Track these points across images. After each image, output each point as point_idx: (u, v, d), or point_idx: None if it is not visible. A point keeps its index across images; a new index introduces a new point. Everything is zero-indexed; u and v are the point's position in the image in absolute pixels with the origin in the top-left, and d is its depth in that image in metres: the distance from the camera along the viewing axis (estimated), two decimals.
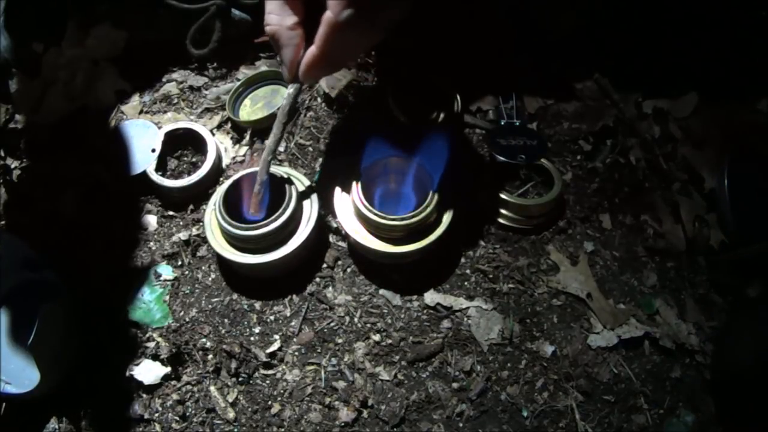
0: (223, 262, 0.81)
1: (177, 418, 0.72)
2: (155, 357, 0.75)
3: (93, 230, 0.87)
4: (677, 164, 0.93)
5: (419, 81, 0.94)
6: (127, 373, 0.75)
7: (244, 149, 0.92)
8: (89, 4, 0.96)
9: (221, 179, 0.89)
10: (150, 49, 1.01)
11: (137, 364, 0.75)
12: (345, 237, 0.81)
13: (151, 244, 0.85)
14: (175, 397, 0.73)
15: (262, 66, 1.02)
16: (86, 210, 0.88)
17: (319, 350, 0.75)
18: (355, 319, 0.77)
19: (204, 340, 0.76)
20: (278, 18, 0.66)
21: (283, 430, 0.71)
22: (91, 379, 0.75)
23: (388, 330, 0.76)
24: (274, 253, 0.75)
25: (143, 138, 0.89)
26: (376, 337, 0.76)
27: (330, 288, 0.79)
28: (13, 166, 0.93)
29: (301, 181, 0.82)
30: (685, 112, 0.97)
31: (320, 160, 0.91)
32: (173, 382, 0.74)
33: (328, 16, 0.58)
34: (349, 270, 0.81)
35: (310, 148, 0.92)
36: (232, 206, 0.78)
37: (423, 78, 0.94)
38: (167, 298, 0.80)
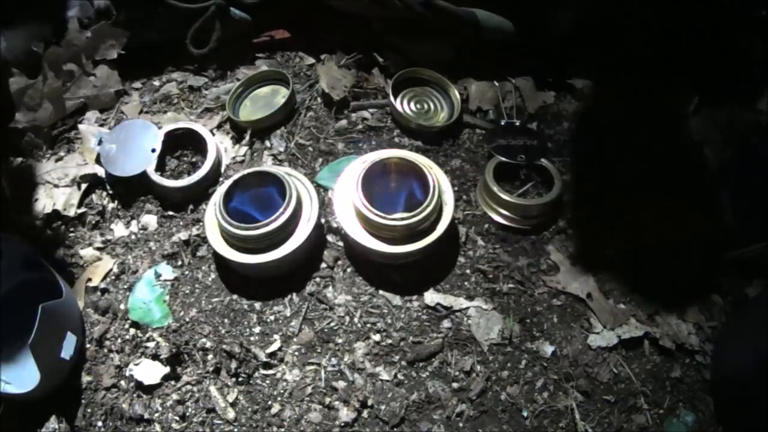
0: (223, 262, 0.81)
1: (177, 418, 0.72)
2: (155, 357, 0.75)
3: (93, 230, 0.87)
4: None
5: None
6: (127, 373, 0.75)
7: (244, 149, 0.92)
8: (91, 3, 0.96)
9: (221, 179, 0.89)
10: (150, 49, 1.01)
11: (137, 364, 0.75)
12: (344, 237, 0.81)
13: (151, 244, 0.85)
14: (175, 397, 0.73)
15: (262, 66, 1.02)
16: (86, 210, 0.88)
17: (319, 350, 0.75)
18: (355, 319, 0.77)
19: (204, 340, 0.76)
20: None
21: (283, 430, 0.71)
22: (91, 379, 0.75)
23: (388, 330, 0.76)
24: (274, 253, 0.75)
25: (143, 138, 0.89)
26: (376, 337, 0.76)
27: (330, 288, 0.79)
28: (13, 166, 0.93)
29: (301, 181, 0.82)
30: (684, 112, 0.97)
31: (320, 160, 0.91)
32: (173, 382, 0.74)
33: None
34: (348, 270, 0.81)
35: (310, 148, 0.92)
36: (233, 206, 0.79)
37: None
38: (167, 298, 0.80)
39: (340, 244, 0.83)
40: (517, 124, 0.93)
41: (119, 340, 0.78)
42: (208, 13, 0.95)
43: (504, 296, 0.79)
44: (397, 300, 0.78)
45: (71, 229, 0.87)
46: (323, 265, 0.81)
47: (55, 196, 0.88)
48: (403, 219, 0.73)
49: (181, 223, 0.87)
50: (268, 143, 0.93)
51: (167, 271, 0.82)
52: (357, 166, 0.81)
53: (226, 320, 0.77)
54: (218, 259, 0.82)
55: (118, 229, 0.87)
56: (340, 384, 0.73)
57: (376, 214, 0.74)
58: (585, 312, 0.79)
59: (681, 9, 0.98)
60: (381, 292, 0.79)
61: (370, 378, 0.73)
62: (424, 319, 0.77)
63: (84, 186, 0.89)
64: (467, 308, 0.78)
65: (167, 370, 0.74)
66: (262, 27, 1.05)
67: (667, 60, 1.00)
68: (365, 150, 0.91)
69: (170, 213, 0.88)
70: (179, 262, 0.83)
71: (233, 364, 0.74)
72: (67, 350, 0.73)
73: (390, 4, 0.91)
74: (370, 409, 0.72)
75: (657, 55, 1.01)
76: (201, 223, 0.85)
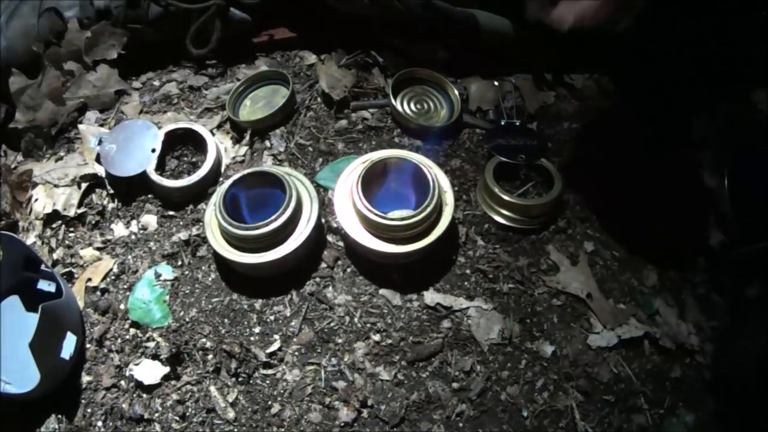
0: (222, 262, 0.81)
1: (177, 418, 0.72)
2: (155, 357, 0.75)
3: (93, 230, 0.87)
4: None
5: None
6: (127, 373, 0.75)
7: (244, 149, 0.92)
8: (91, 4, 0.96)
9: (221, 179, 0.89)
10: (150, 49, 1.01)
11: (137, 364, 0.75)
12: (344, 237, 0.81)
13: (151, 244, 0.85)
14: (175, 397, 0.73)
15: (262, 66, 1.02)
16: (86, 210, 0.88)
17: (319, 350, 0.75)
18: (355, 319, 0.77)
19: (204, 340, 0.76)
20: None
21: (283, 430, 0.71)
22: (91, 379, 0.75)
23: (388, 330, 0.76)
24: (274, 253, 0.75)
25: (143, 138, 0.89)
26: (376, 337, 0.76)
27: (330, 288, 0.79)
28: (13, 166, 0.93)
29: (301, 181, 0.82)
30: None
31: (320, 160, 0.91)
32: (173, 382, 0.74)
33: None
34: (349, 270, 0.81)
35: (310, 148, 0.92)
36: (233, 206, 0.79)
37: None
38: (167, 298, 0.80)
39: (340, 244, 0.83)
40: (517, 124, 0.93)
41: (119, 340, 0.78)
42: (208, 14, 0.95)
43: (504, 296, 0.79)
44: (397, 300, 0.78)
45: (71, 229, 0.87)
46: (323, 265, 0.81)
47: (55, 196, 0.88)
48: (403, 219, 0.73)
49: (181, 223, 0.87)
50: (268, 143, 0.93)
51: (167, 271, 0.82)
52: (357, 166, 0.81)
53: (226, 320, 0.77)
54: (218, 259, 0.82)
55: (118, 229, 0.87)
56: (340, 384, 0.73)
57: (376, 214, 0.74)
58: (585, 312, 0.79)
59: (681, 9, 0.98)
60: (381, 292, 0.79)
61: (370, 378, 0.73)
62: (424, 319, 0.77)
63: (84, 186, 0.89)
64: (467, 308, 0.78)
65: (167, 370, 0.74)
66: (262, 27, 1.05)
67: (667, 60, 1.00)
68: (365, 150, 0.91)
69: (170, 213, 0.88)
70: (179, 262, 0.83)
71: (233, 364, 0.74)
72: (67, 350, 0.73)
73: (389, 4, 0.91)
74: (370, 409, 0.72)
75: (657, 56, 1.01)
76: (201, 223, 0.85)
